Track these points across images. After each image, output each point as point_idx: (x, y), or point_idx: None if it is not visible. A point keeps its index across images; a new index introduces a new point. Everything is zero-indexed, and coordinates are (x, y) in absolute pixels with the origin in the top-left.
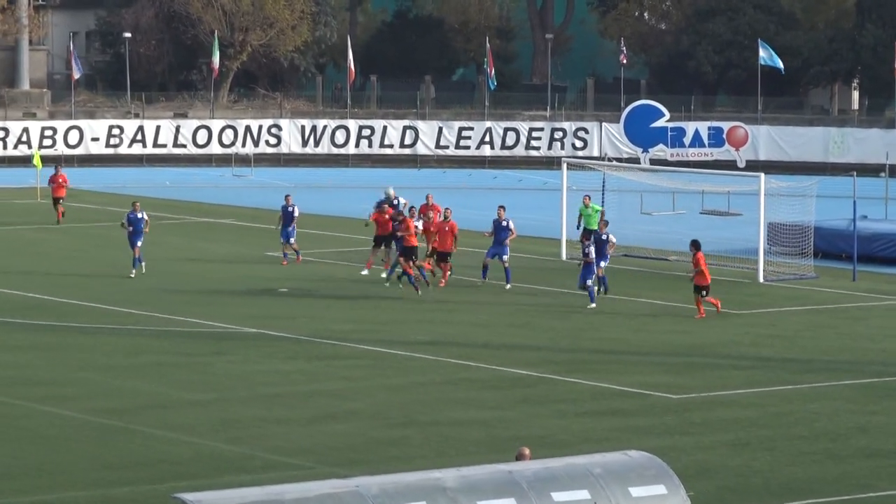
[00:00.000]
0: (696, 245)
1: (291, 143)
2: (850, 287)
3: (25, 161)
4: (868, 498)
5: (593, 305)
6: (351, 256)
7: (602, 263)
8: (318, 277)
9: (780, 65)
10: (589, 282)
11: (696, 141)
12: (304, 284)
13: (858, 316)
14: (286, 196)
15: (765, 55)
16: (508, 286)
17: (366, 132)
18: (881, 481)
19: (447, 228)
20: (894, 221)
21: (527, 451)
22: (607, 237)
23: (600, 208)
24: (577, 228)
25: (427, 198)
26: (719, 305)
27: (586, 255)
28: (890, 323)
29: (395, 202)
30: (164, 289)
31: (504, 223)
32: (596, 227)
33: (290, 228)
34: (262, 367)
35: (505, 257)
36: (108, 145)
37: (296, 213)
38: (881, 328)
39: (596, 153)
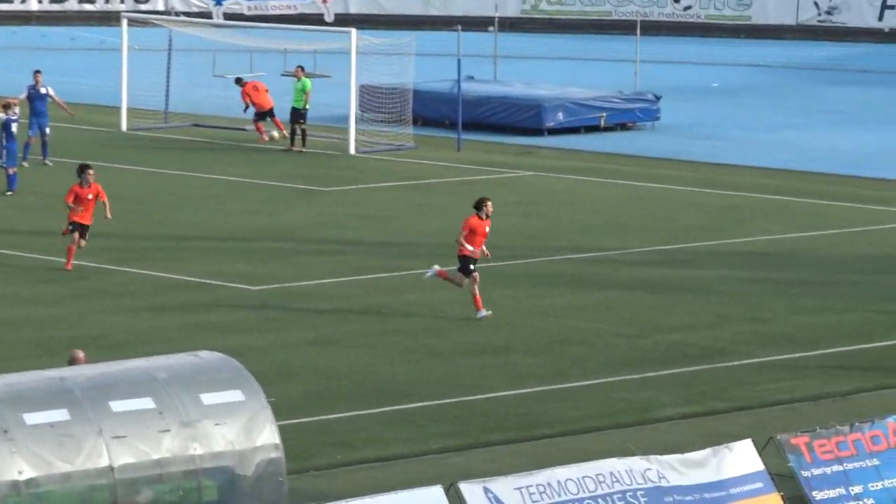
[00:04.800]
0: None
1: None
2: (453, 158)
3: None
4: (476, 400)
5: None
6: None
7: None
8: None
9: None
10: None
11: None
12: None
13: (464, 192)
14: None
15: None
16: (48, 162)
17: None
18: (490, 381)
19: None
20: (504, 83)
21: (80, 355)
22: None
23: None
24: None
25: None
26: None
27: None
28: (500, 199)
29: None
30: None
31: (43, 90)
32: (301, 106)
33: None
34: None
35: (46, 129)
36: None
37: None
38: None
39: (161, 7)
